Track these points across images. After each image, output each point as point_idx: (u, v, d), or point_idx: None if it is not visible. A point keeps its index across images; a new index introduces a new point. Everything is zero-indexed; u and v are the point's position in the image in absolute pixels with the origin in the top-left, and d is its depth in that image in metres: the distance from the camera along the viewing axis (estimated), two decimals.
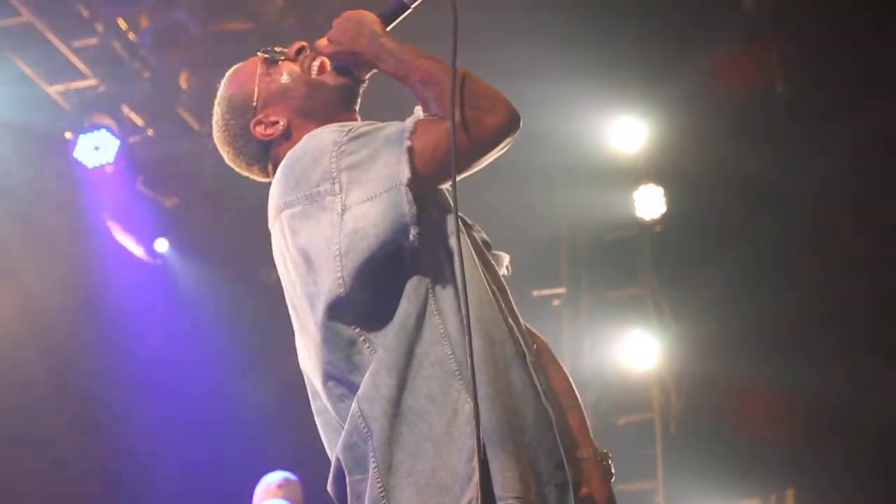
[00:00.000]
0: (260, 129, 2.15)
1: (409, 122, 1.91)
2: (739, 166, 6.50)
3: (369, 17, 2.05)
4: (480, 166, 1.96)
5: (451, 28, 1.99)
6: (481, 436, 1.82)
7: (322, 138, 1.98)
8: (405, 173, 1.84)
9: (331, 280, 1.91)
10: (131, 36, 6.14)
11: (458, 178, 1.89)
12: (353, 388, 1.91)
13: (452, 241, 1.94)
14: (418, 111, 1.98)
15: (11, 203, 6.21)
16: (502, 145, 1.94)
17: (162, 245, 6.79)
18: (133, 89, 6.39)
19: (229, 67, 2.51)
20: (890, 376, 6.68)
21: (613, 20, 6.37)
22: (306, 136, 2.04)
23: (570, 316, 7.29)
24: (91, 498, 6.52)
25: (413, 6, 2.07)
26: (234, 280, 6.67)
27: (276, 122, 2.15)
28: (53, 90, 6.19)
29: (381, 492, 1.86)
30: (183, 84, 6.51)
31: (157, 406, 6.38)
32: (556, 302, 7.29)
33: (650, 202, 7.02)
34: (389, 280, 1.93)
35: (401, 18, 2.08)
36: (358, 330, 1.93)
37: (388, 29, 2.05)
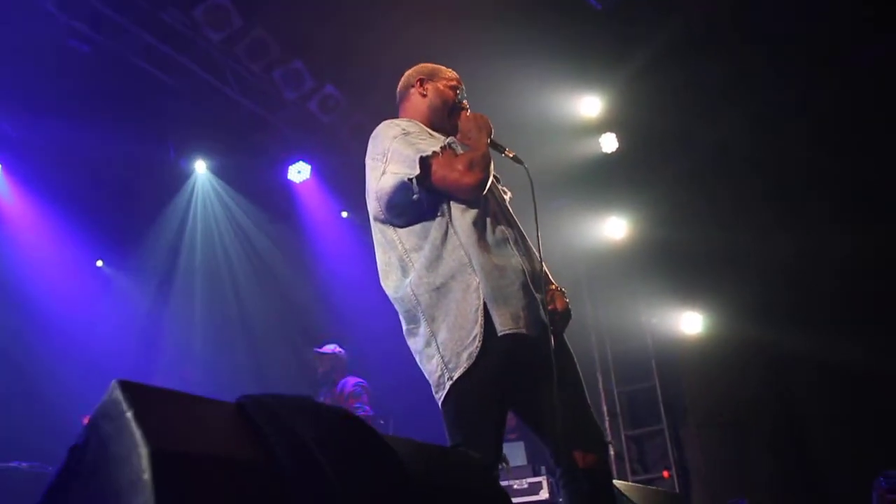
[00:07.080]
0: (418, 85, 2.69)
1: (437, 148, 2.32)
2: (661, 121, 7.36)
3: (488, 128, 2.47)
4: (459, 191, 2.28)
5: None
6: (482, 297, 2.15)
7: (393, 129, 2.43)
8: (416, 171, 2.28)
9: (374, 206, 2.44)
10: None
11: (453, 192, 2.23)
12: (389, 264, 2.35)
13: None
14: (453, 143, 2.39)
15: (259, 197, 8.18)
16: (466, 194, 2.29)
17: (344, 213, 8.63)
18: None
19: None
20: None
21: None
22: (389, 123, 2.47)
23: (573, 213, 8.09)
24: None
25: (504, 155, 2.52)
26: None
27: (424, 93, 2.67)
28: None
29: (430, 333, 2.19)
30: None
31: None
32: (565, 209, 7.96)
33: (609, 142, 7.88)
34: (421, 214, 2.34)
35: (494, 150, 2.47)
36: (397, 237, 2.35)
37: (488, 142, 2.44)
